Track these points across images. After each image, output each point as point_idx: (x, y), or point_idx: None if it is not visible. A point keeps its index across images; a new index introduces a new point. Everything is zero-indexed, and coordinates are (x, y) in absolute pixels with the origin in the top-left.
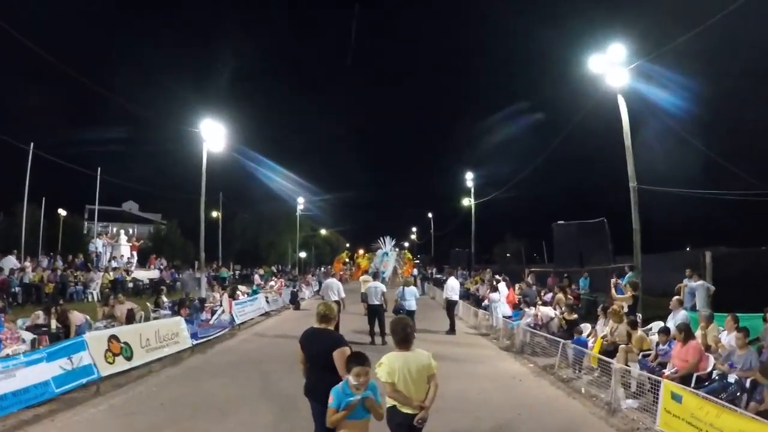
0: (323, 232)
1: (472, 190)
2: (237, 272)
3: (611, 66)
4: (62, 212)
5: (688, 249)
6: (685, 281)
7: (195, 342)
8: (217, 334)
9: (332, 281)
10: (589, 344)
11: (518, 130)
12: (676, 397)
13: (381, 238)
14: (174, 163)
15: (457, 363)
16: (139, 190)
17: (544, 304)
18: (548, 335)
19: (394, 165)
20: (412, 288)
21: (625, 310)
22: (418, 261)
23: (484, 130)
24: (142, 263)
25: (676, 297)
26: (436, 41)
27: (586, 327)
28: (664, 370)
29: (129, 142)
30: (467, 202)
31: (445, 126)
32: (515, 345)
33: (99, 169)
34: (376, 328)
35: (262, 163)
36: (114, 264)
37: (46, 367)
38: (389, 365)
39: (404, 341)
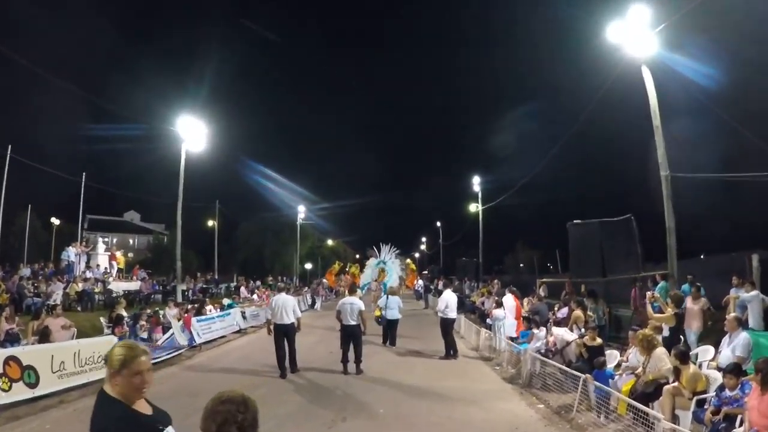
0: (330, 242)
1: (479, 195)
2: (234, 283)
3: (633, 33)
4: (55, 221)
5: (702, 256)
6: (734, 292)
7: None
8: (163, 357)
9: (284, 297)
10: (617, 378)
11: (530, 132)
12: None
13: (373, 246)
14: (176, 171)
15: (442, 403)
16: (141, 199)
17: (557, 323)
18: (564, 366)
19: (404, 174)
20: (396, 297)
21: (665, 333)
22: (426, 272)
23: (495, 132)
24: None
25: (733, 315)
26: (442, 42)
27: (611, 355)
28: (734, 430)
29: (126, 148)
30: (475, 207)
31: (456, 132)
32: (522, 376)
33: (84, 174)
34: (351, 355)
35: (266, 171)
36: (89, 274)
37: None
38: None
39: None
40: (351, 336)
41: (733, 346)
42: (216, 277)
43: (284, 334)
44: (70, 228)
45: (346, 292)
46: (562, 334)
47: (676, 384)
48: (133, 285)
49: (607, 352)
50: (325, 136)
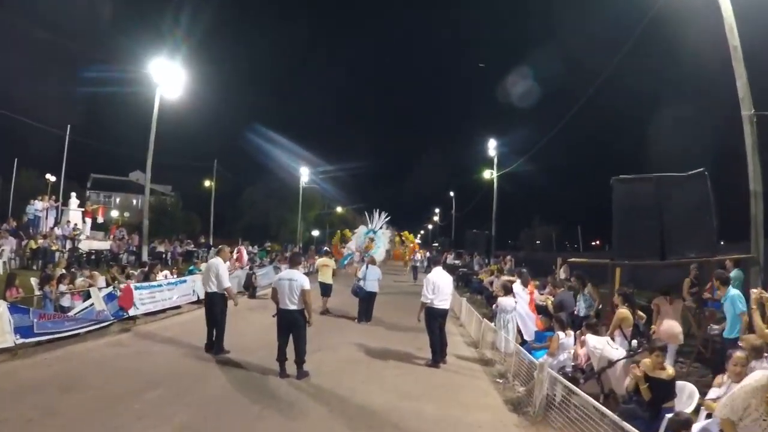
0: (339, 210)
1: (495, 160)
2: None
3: None
4: (51, 178)
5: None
6: None
7: (22, 340)
8: (75, 331)
9: (215, 263)
10: None
11: (554, 92)
12: None
13: (366, 213)
14: (182, 134)
15: None
16: (141, 158)
17: (589, 326)
18: (601, 406)
19: (419, 141)
20: (376, 268)
21: None
22: (436, 244)
23: (517, 92)
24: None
25: None
26: None
27: (684, 390)
28: None
29: (134, 108)
30: (490, 174)
31: (476, 94)
32: (534, 403)
33: (69, 127)
34: (290, 352)
35: (274, 136)
36: (59, 231)
37: None
38: None
39: None
40: (289, 326)
41: None
42: (211, 241)
43: (210, 304)
44: (68, 185)
45: (330, 261)
46: (603, 347)
47: None
48: (105, 244)
49: (679, 383)
50: (336, 101)
